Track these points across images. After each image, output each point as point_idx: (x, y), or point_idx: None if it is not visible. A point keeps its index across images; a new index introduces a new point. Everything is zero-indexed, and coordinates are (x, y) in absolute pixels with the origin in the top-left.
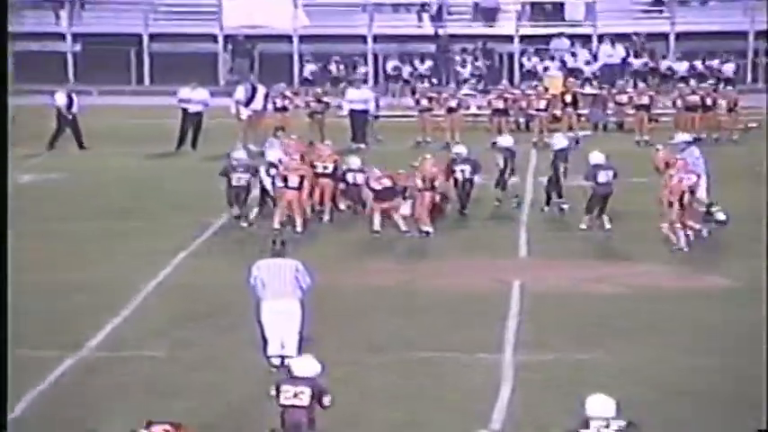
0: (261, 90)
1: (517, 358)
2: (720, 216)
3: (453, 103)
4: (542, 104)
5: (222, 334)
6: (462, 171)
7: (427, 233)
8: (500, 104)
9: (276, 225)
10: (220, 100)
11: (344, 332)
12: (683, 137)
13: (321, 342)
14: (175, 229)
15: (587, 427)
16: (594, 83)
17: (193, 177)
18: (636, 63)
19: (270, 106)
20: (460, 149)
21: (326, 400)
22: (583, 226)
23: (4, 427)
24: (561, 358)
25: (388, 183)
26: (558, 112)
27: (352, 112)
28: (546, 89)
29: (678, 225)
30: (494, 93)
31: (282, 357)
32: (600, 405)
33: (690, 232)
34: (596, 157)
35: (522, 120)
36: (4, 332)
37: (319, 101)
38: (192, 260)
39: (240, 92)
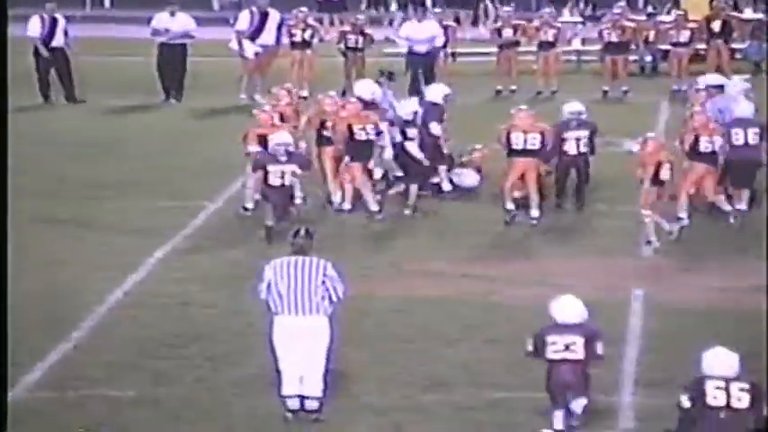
0: (273, 16)
1: (638, 402)
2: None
3: (550, 35)
4: (681, 36)
5: (215, 365)
6: (578, 140)
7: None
8: (615, 37)
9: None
10: (213, 30)
11: (391, 364)
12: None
13: (358, 377)
14: (150, 215)
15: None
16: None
17: (177, 142)
18: None
19: (285, 40)
20: (575, 106)
21: (599, 347)
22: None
23: None
24: None
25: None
26: (701, 47)
27: (412, 55)
28: (685, 13)
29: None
30: (607, 19)
31: (302, 398)
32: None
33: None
34: (743, 108)
35: (647, 59)
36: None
37: (361, 32)
38: (174, 260)
39: (243, 20)
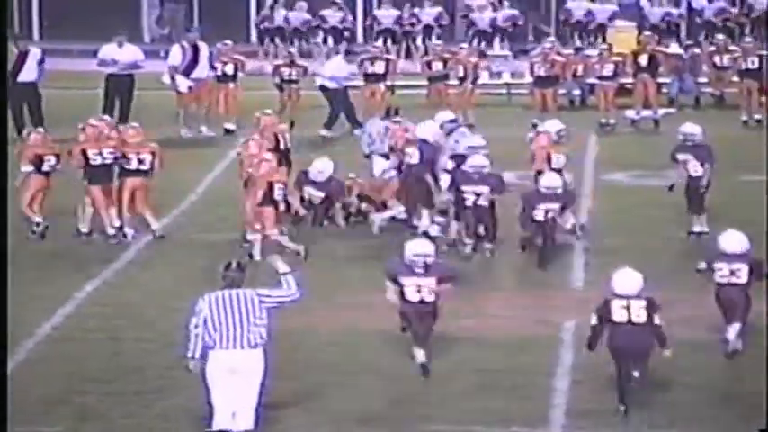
0: (204, 50)
1: None
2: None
3: (460, 71)
4: (605, 70)
5: (144, 400)
6: (477, 195)
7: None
8: (544, 71)
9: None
10: (145, 62)
11: (322, 396)
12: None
13: (289, 411)
14: (82, 247)
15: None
16: (681, 37)
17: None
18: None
19: (211, 73)
20: (689, 128)
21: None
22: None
23: None
24: None
25: None
26: (628, 81)
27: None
28: (609, 47)
29: None
30: (536, 53)
31: None
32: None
33: None
34: (690, 128)
35: (576, 92)
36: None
37: (293, 63)
38: (104, 293)
39: (175, 55)
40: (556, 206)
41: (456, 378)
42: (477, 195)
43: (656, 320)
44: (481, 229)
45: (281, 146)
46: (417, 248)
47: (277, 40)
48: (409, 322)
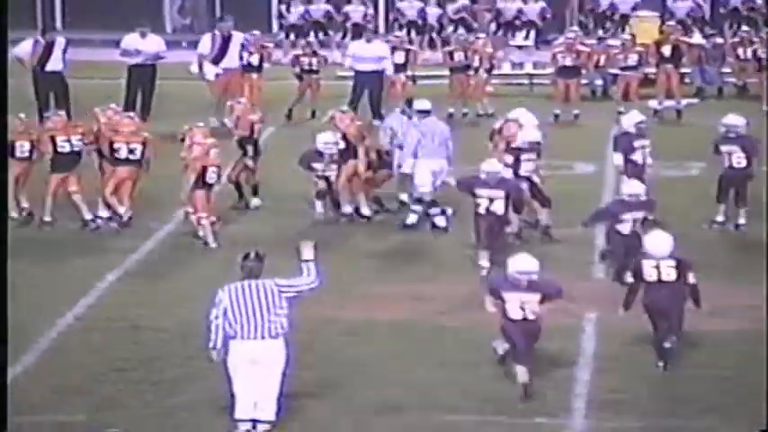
0: (236, 39)
1: (591, 424)
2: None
3: (475, 60)
4: (630, 60)
5: (165, 390)
6: (490, 200)
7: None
8: (569, 61)
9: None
10: (167, 52)
11: (343, 387)
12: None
13: (310, 400)
14: (103, 238)
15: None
16: (704, 28)
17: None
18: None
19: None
20: (490, 166)
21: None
22: (720, 218)
23: None
24: (654, 426)
25: None
26: (651, 71)
27: (357, 74)
28: (632, 37)
29: None
30: (560, 43)
31: (255, 422)
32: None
33: None
34: (733, 119)
35: (598, 83)
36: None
37: (314, 53)
38: (126, 284)
39: (205, 43)
40: (641, 215)
41: (478, 368)
42: (491, 200)
43: (690, 279)
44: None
45: (255, 134)
46: (521, 265)
47: (292, 35)
48: (511, 340)
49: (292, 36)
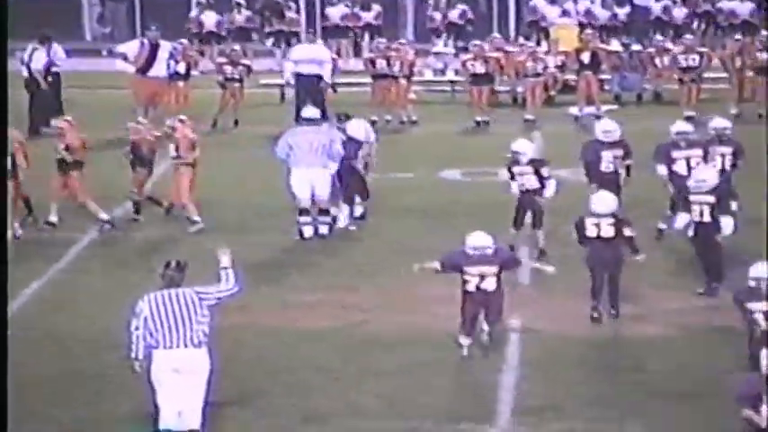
0: (165, 49)
1: (516, 430)
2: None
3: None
4: (540, 66)
5: (90, 401)
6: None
7: None
8: (478, 67)
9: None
10: (85, 61)
11: (267, 395)
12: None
13: (234, 410)
14: (26, 246)
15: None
16: (623, 35)
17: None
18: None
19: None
20: (478, 240)
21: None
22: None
23: None
24: (577, 429)
25: None
26: (570, 77)
27: (299, 77)
28: (556, 43)
29: None
30: (474, 50)
31: None
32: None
33: None
34: (721, 122)
35: (519, 89)
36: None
37: (238, 63)
38: (48, 293)
39: (132, 46)
40: (711, 199)
41: (403, 375)
42: (482, 278)
43: (627, 233)
44: (482, 317)
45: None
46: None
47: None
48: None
49: (213, 43)
